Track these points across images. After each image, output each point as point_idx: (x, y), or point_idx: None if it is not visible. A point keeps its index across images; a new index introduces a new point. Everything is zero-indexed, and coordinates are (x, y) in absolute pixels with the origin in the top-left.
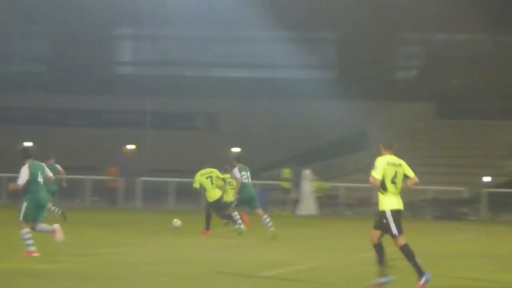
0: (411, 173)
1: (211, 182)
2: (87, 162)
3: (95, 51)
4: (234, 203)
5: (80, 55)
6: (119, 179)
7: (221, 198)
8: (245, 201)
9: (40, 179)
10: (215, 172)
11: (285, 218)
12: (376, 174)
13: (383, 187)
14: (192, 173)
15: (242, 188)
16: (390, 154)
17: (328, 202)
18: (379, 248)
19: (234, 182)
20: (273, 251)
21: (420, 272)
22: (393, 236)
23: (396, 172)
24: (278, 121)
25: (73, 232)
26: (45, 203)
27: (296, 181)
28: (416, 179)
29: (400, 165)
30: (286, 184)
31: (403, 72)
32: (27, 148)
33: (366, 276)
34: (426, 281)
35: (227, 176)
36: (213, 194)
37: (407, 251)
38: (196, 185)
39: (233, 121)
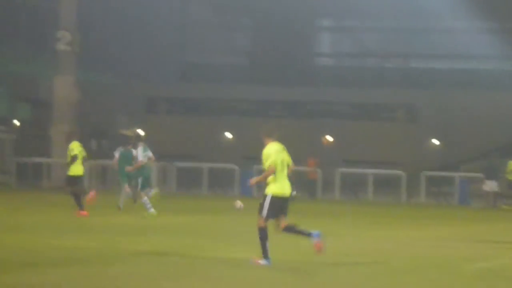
0: (289, 160)
1: (82, 155)
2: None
3: (295, 43)
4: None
5: (281, 46)
6: (317, 170)
7: (82, 175)
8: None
9: None
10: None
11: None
12: (272, 161)
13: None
14: (389, 164)
15: (144, 168)
16: (274, 141)
17: None
18: (290, 229)
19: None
20: (470, 245)
21: (266, 255)
22: (260, 215)
23: (282, 159)
24: (479, 113)
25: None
26: None
27: (498, 175)
28: (293, 166)
29: (283, 151)
30: (510, 176)
31: None
32: None
33: None
34: (266, 264)
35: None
36: (80, 168)
37: (262, 234)
38: (75, 152)
39: (433, 113)
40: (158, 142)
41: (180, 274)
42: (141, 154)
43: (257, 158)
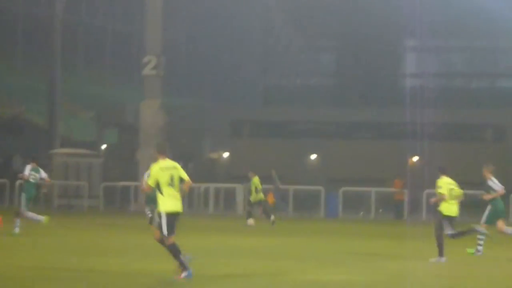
0: (185, 176)
1: None
2: (372, 174)
3: (379, 64)
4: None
5: (366, 67)
6: (404, 191)
7: None
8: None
9: None
10: None
11: None
12: (149, 180)
13: (160, 191)
14: (477, 185)
15: (30, 186)
16: (164, 158)
17: None
18: (173, 249)
19: (259, 186)
20: None
21: (184, 267)
22: (163, 235)
23: (172, 175)
24: None
25: (356, 243)
26: None
27: None
28: (190, 182)
29: (175, 168)
30: None
31: None
32: None
33: None
34: (188, 276)
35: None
36: None
37: (173, 250)
38: None
39: None
40: (242, 164)
41: None
42: (28, 171)
43: (342, 180)
